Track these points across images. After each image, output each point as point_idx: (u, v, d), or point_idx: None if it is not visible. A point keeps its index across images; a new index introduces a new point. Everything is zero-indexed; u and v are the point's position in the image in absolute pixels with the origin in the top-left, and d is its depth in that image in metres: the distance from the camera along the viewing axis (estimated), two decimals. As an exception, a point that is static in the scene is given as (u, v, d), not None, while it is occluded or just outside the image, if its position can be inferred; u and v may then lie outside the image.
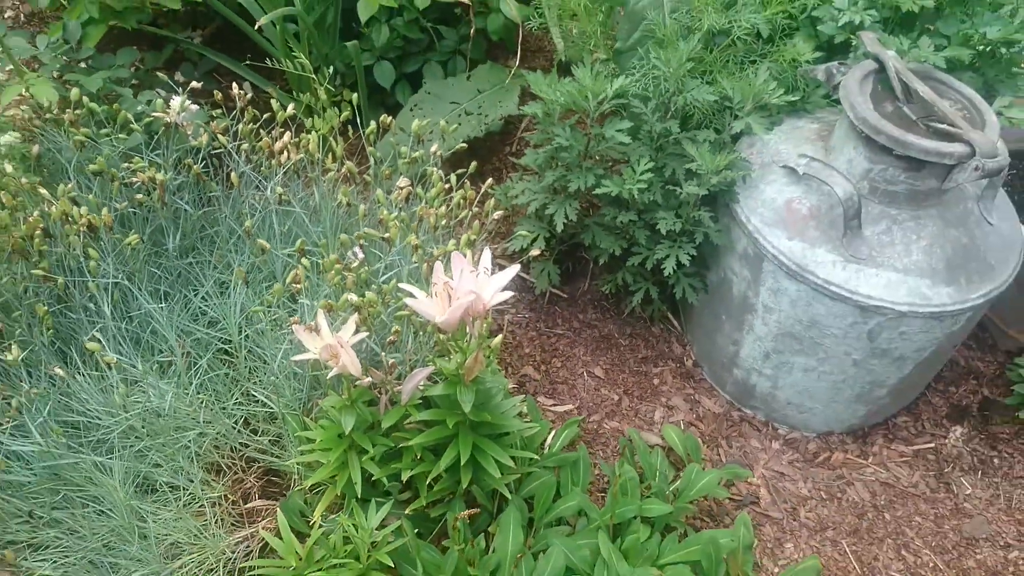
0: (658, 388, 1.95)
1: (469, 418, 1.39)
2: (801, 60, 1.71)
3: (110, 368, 1.45)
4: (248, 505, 1.60)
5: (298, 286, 1.50)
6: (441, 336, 1.44)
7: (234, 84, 1.72)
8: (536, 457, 1.58)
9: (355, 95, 1.77)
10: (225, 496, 1.58)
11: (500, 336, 1.40)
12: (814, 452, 1.86)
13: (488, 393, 1.42)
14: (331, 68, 1.93)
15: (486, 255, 1.34)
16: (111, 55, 2.01)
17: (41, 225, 1.51)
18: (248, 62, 2.19)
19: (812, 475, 1.81)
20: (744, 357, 1.82)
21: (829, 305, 1.59)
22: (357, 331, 1.39)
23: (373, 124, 1.70)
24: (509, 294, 1.26)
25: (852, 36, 1.71)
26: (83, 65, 2.01)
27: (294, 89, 2.17)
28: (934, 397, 1.96)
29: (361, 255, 1.50)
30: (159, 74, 2.08)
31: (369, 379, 1.34)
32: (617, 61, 1.83)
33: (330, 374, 1.36)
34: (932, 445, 1.88)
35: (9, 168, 1.55)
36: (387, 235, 1.45)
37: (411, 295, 1.26)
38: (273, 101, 1.72)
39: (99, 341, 1.50)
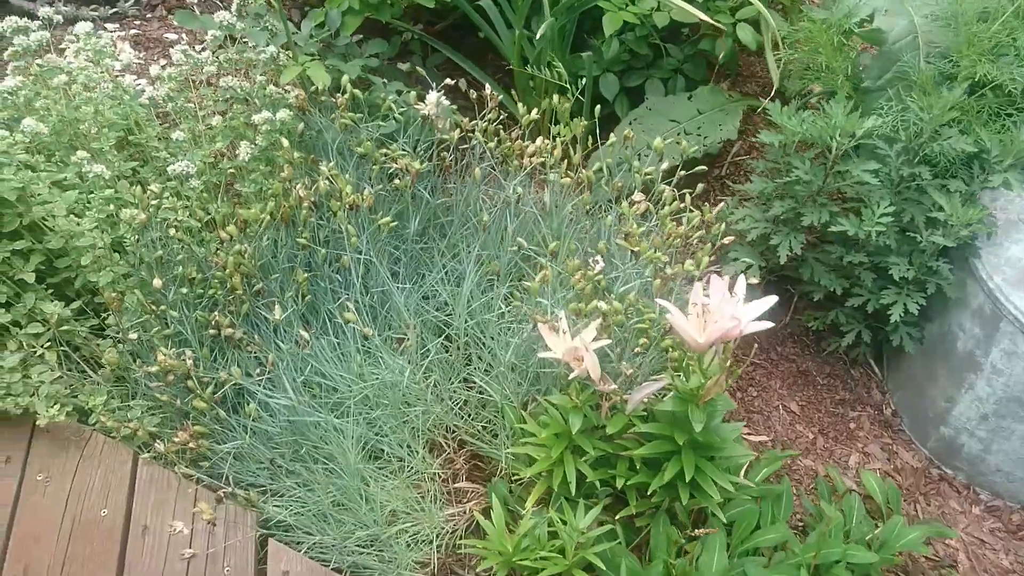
0: (854, 433, 1.92)
1: (696, 437, 1.43)
2: (1066, 119, 1.65)
3: (366, 339, 1.56)
4: (456, 485, 1.68)
5: (529, 285, 1.56)
6: (679, 354, 1.48)
7: (487, 87, 1.81)
8: (751, 485, 1.59)
9: (594, 106, 1.83)
10: (437, 473, 1.67)
11: (741, 368, 1.42)
12: (1018, 524, 1.78)
13: (715, 415, 1.45)
14: (560, 77, 1.99)
15: (741, 281, 1.36)
16: (355, 45, 2.15)
17: (312, 199, 1.64)
18: (508, 69, 2.29)
19: (1015, 548, 1.74)
20: (956, 416, 1.77)
21: (1072, 376, 1.53)
22: (598, 337, 1.45)
23: (613, 136, 1.76)
24: (768, 324, 1.29)
25: (1125, 100, 1.64)
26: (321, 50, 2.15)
27: (520, 92, 2.24)
28: None
29: (602, 263, 1.55)
30: (399, 66, 2.21)
31: (612, 386, 1.39)
32: (862, 100, 1.81)
33: (572, 375, 1.42)
34: None
35: (285, 143, 1.68)
36: (636, 248, 1.49)
37: (669, 311, 1.30)
38: (520, 105, 1.80)
39: (347, 306, 1.62)
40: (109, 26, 2.72)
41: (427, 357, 1.68)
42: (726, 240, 1.67)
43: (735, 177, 2.31)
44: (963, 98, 1.62)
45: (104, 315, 1.64)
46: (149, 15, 2.76)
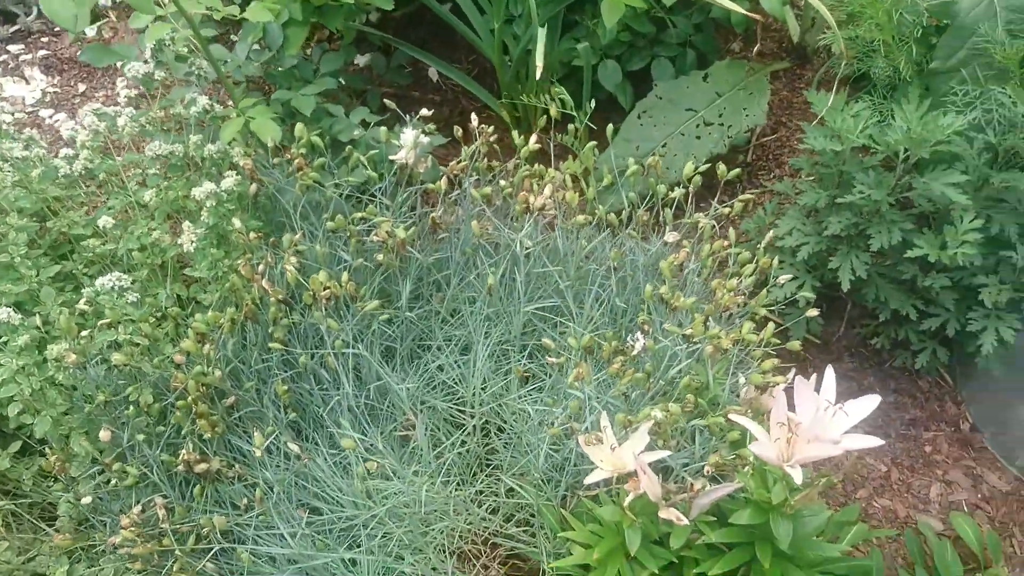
0: (931, 457, 1.70)
1: (782, 548, 1.19)
2: None
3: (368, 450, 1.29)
4: (494, 597, 1.45)
5: (553, 360, 1.30)
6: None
7: (473, 116, 1.48)
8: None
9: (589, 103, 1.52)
10: (472, 588, 1.44)
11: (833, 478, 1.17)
12: None
13: (805, 524, 1.21)
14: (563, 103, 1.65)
15: (829, 377, 1.09)
16: (307, 60, 1.79)
17: (280, 296, 1.34)
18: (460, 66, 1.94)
19: None
20: (1055, 439, 1.54)
21: None
22: (652, 446, 1.19)
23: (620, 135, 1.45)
24: (878, 441, 1.03)
25: None
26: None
27: (503, 90, 1.91)
28: None
29: (643, 342, 1.28)
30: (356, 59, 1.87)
31: (682, 519, 1.13)
32: (927, 83, 1.50)
33: (627, 500, 1.17)
34: None
35: (238, 224, 1.37)
36: (688, 331, 1.21)
37: (748, 432, 1.04)
38: (515, 133, 1.48)
39: (342, 422, 1.36)
40: (12, 48, 2.34)
41: (441, 456, 1.42)
42: (781, 280, 1.40)
43: (763, 163, 2.00)
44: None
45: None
46: (58, 28, 2.36)
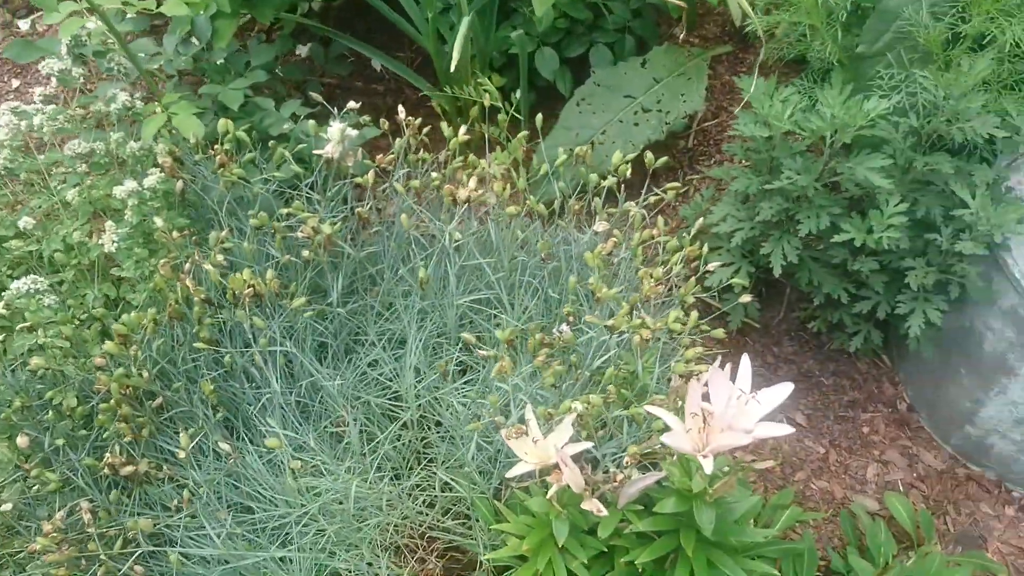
0: (868, 438, 1.71)
1: (707, 537, 1.20)
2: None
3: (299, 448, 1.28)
4: (432, 589, 1.46)
5: (484, 354, 1.29)
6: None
7: (399, 107, 1.46)
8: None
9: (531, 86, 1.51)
10: (409, 581, 1.44)
11: (771, 462, 1.17)
12: (1058, 523, 1.61)
13: (729, 511, 1.22)
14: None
15: (744, 366, 1.10)
16: (243, 52, 1.77)
17: (202, 295, 1.32)
18: (396, 54, 1.92)
19: (1058, 553, 1.58)
20: (985, 418, 1.56)
21: None
22: (576, 438, 1.19)
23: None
24: (788, 429, 1.03)
25: None
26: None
27: (441, 80, 1.89)
28: None
29: (568, 332, 1.27)
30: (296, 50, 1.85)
31: (602, 511, 1.14)
32: (855, 67, 1.50)
33: (550, 492, 1.17)
34: None
35: (160, 221, 1.35)
36: (610, 322, 1.21)
37: (664, 422, 1.04)
38: (443, 124, 1.47)
39: (269, 422, 1.35)
40: (-58, 43, 2.28)
41: (376, 451, 1.41)
42: (711, 266, 1.40)
43: (704, 148, 2.00)
44: (989, 68, 1.31)
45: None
46: (-10, 22, 2.31)
